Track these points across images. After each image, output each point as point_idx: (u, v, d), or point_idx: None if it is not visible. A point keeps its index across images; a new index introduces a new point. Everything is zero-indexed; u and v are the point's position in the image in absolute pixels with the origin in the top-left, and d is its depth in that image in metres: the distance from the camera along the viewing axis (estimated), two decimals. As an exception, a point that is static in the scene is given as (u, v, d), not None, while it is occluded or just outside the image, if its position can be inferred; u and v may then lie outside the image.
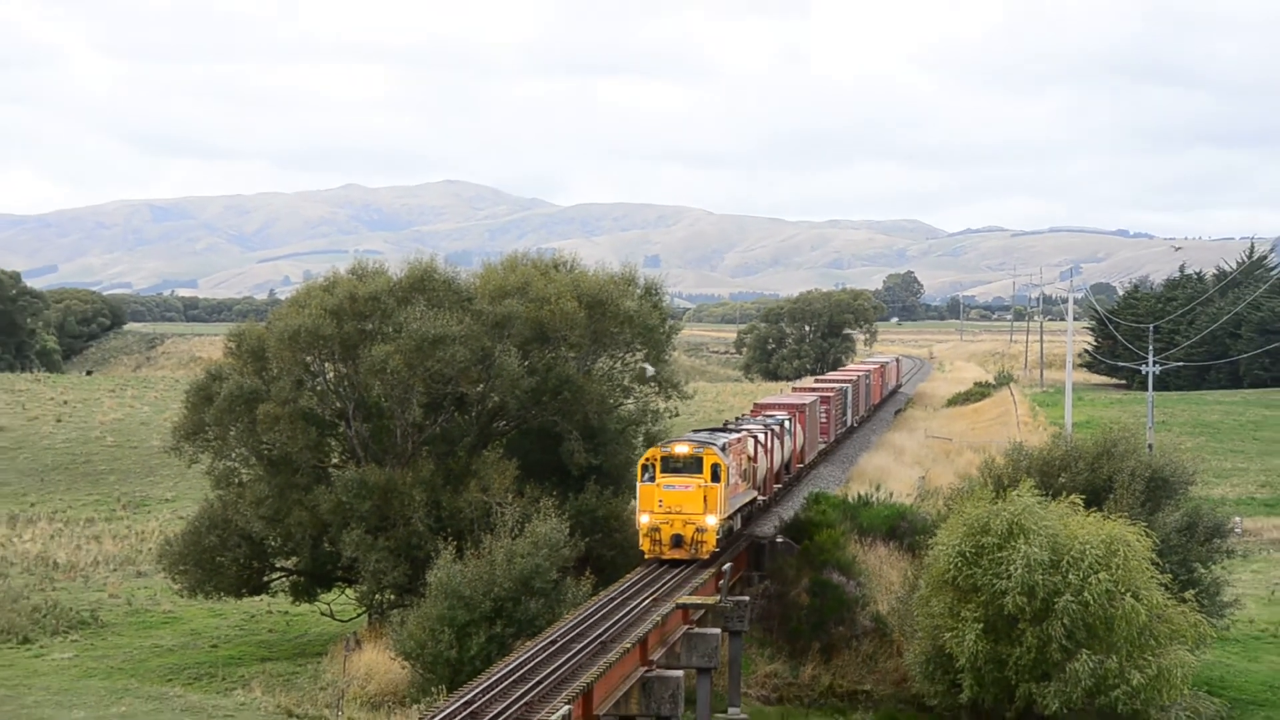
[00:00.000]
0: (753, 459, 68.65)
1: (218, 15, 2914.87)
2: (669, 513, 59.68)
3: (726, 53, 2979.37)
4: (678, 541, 59.96)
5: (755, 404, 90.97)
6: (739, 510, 65.68)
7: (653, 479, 60.52)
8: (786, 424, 79.40)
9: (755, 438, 70.14)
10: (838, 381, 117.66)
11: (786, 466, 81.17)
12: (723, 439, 63.73)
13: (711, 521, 59.99)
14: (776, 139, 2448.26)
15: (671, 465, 60.50)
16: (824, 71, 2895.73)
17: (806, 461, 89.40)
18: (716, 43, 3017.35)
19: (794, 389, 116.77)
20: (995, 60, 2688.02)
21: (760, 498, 72.30)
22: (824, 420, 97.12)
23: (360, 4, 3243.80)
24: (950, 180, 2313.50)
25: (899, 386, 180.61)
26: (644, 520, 59.93)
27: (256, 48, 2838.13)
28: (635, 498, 60.98)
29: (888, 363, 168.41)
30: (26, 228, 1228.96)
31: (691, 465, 60.27)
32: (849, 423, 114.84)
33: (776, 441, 75.76)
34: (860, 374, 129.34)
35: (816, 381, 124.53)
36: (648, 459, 61.04)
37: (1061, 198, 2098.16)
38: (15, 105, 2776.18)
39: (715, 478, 60.26)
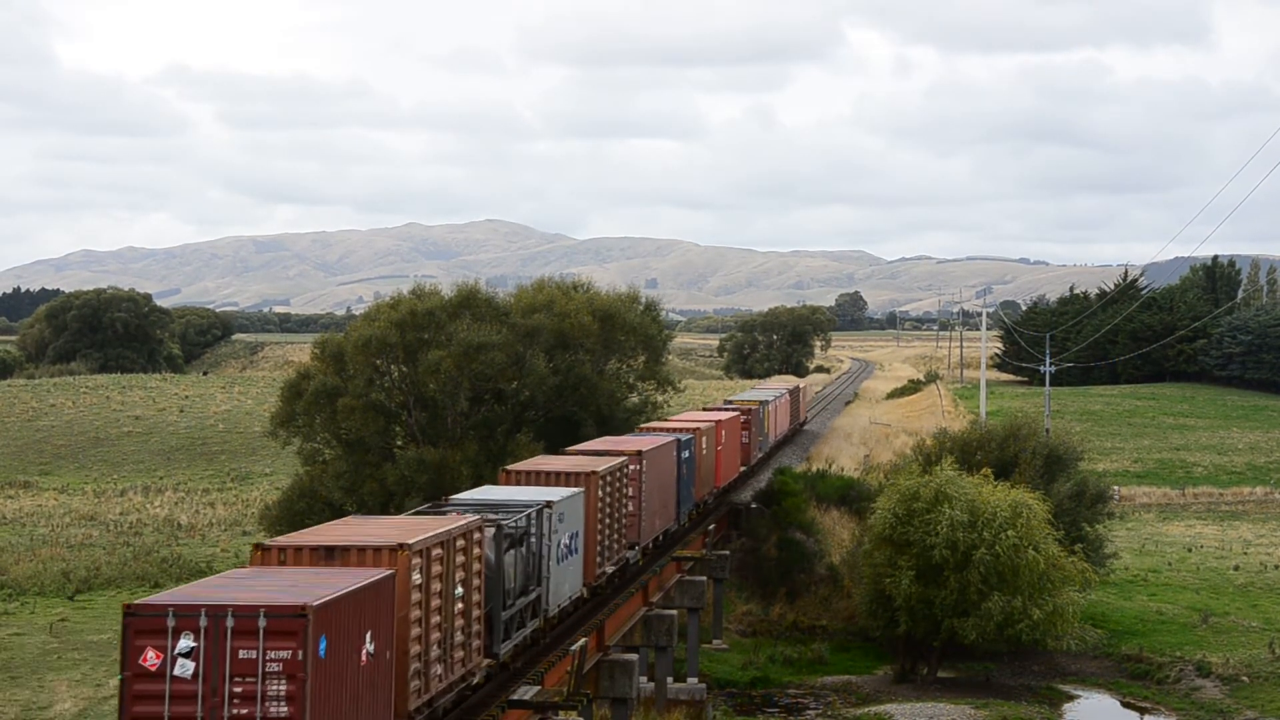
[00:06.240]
0: None
1: (314, 93, 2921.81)
2: None
3: (711, 117, 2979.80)
4: None
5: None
6: None
7: None
8: None
9: None
10: (594, 461, 42.39)
11: None
12: None
13: None
14: (750, 185, 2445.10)
15: None
16: (788, 132, 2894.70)
17: None
18: (703, 109, 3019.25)
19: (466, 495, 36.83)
20: (923, 124, 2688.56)
21: None
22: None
23: (418, 83, 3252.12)
24: (889, 218, 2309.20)
25: (803, 424, 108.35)
26: None
27: (340, 117, 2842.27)
28: None
29: (774, 398, 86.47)
30: (157, 259, 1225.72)
31: None
32: (627, 558, 44.82)
33: None
34: (681, 434, 54.06)
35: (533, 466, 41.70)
36: None
37: (977, 232, 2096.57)
38: (157, 163, 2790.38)
39: None
